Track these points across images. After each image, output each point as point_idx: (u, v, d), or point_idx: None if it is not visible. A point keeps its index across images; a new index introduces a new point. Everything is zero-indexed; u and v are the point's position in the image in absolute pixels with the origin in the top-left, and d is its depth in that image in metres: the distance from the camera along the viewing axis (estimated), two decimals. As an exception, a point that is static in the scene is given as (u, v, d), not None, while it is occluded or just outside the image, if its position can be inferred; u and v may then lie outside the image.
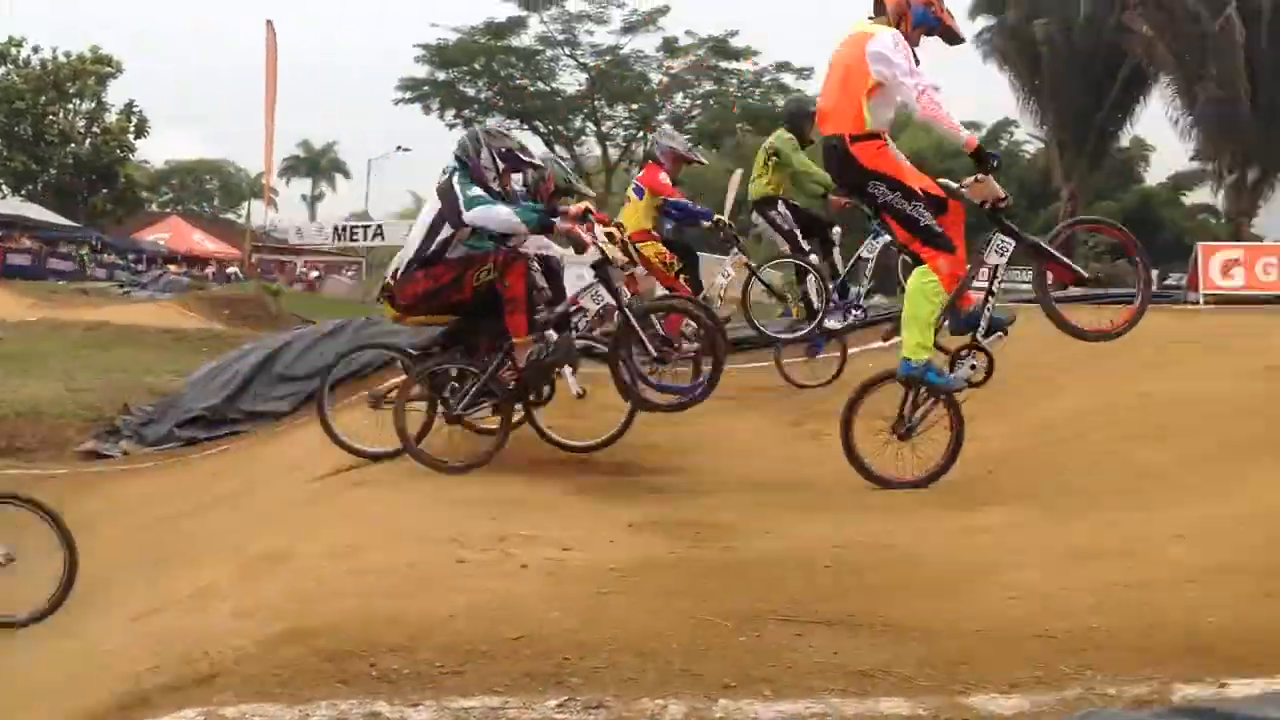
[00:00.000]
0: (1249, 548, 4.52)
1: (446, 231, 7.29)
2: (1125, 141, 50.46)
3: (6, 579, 6.28)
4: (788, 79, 48.06)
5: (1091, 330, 6.55)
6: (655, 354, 7.29)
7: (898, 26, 6.33)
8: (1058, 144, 45.52)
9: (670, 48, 48.47)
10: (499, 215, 7.13)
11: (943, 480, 6.39)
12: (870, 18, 6.49)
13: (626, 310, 7.31)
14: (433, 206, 7.42)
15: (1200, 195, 52.83)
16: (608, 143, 50.37)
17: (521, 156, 7.66)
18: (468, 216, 7.12)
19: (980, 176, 6.29)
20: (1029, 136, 52.70)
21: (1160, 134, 52.93)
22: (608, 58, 48.94)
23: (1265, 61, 38.96)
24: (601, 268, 7.37)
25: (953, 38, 6.63)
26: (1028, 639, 3.73)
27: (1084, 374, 7.99)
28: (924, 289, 6.18)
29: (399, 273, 7.44)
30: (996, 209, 6.36)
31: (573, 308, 7.50)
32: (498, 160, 7.47)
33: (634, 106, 50.05)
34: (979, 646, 3.69)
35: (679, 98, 50.34)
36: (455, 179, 7.28)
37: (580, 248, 7.30)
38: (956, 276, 6.30)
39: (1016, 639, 3.74)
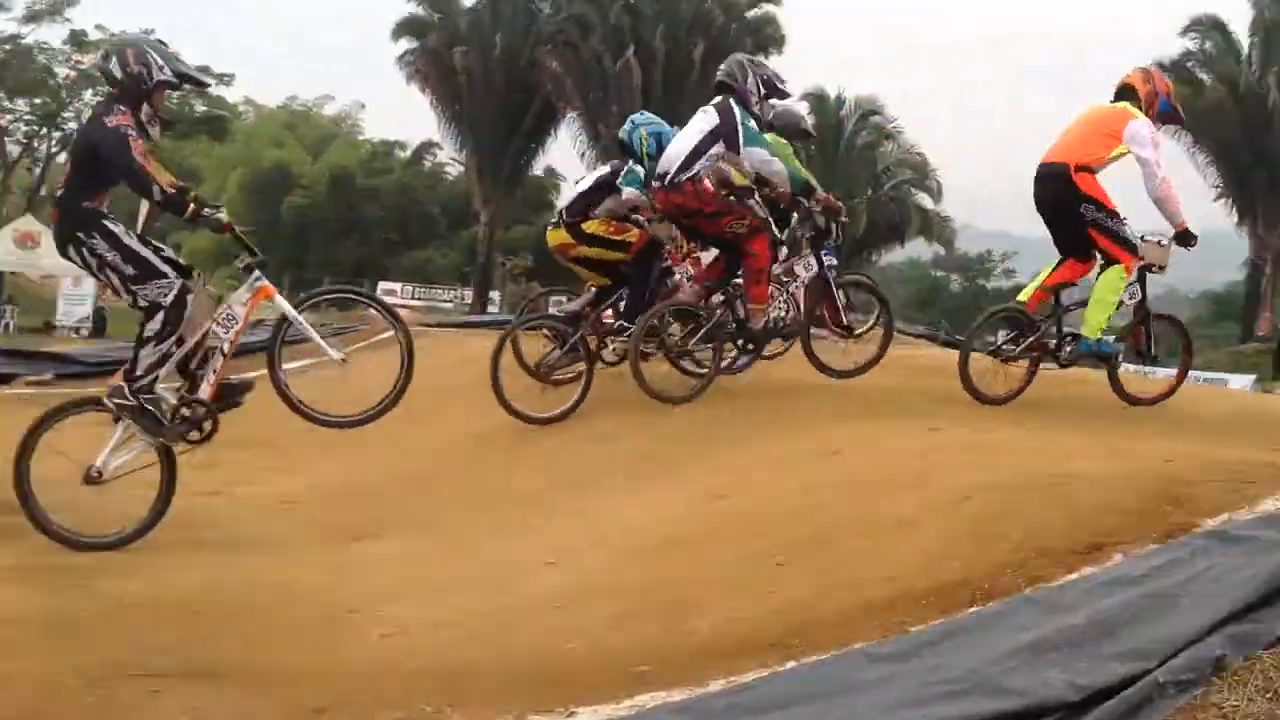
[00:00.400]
0: (609, 570, 4.80)
1: (718, 149, 7.62)
2: (539, 170, 52.95)
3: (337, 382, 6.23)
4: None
5: (1145, 397, 7.82)
6: (846, 326, 8.27)
7: (1146, 113, 7.47)
8: (477, 169, 46.93)
9: (79, 41, 45.01)
10: (774, 166, 7.76)
11: (329, 509, 6.40)
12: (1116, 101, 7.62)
13: (830, 279, 8.21)
14: (708, 121, 7.71)
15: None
16: (6, 138, 45.92)
17: (778, 84, 8.08)
18: (744, 150, 7.62)
19: (1164, 242, 7.60)
20: (451, 160, 53.92)
21: (572, 165, 55.88)
22: (7, 46, 44.63)
23: (661, 103, 42.54)
24: (818, 239, 8.17)
25: (1179, 120, 8.16)
26: (393, 677, 3.71)
27: (469, 398, 8.17)
28: (1117, 283, 7.44)
29: (669, 177, 7.61)
30: (1149, 270, 7.68)
31: (788, 274, 8.17)
32: (760, 86, 7.88)
33: (37, 101, 46.03)
34: (345, 689, 3.63)
35: (88, 94, 46.92)
36: (735, 104, 7.72)
37: (835, 214, 8.19)
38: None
39: (383, 678, 3.71)
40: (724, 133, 7.62)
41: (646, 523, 5.38)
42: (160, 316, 5.76)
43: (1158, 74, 7.84)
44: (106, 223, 5.75)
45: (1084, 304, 7.58)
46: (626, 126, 8.71)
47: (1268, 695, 2.80)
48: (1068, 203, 7.41)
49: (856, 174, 45.11)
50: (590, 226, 8.27)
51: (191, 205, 5.74)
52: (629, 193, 8.30)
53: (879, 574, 4.13)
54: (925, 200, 46.98)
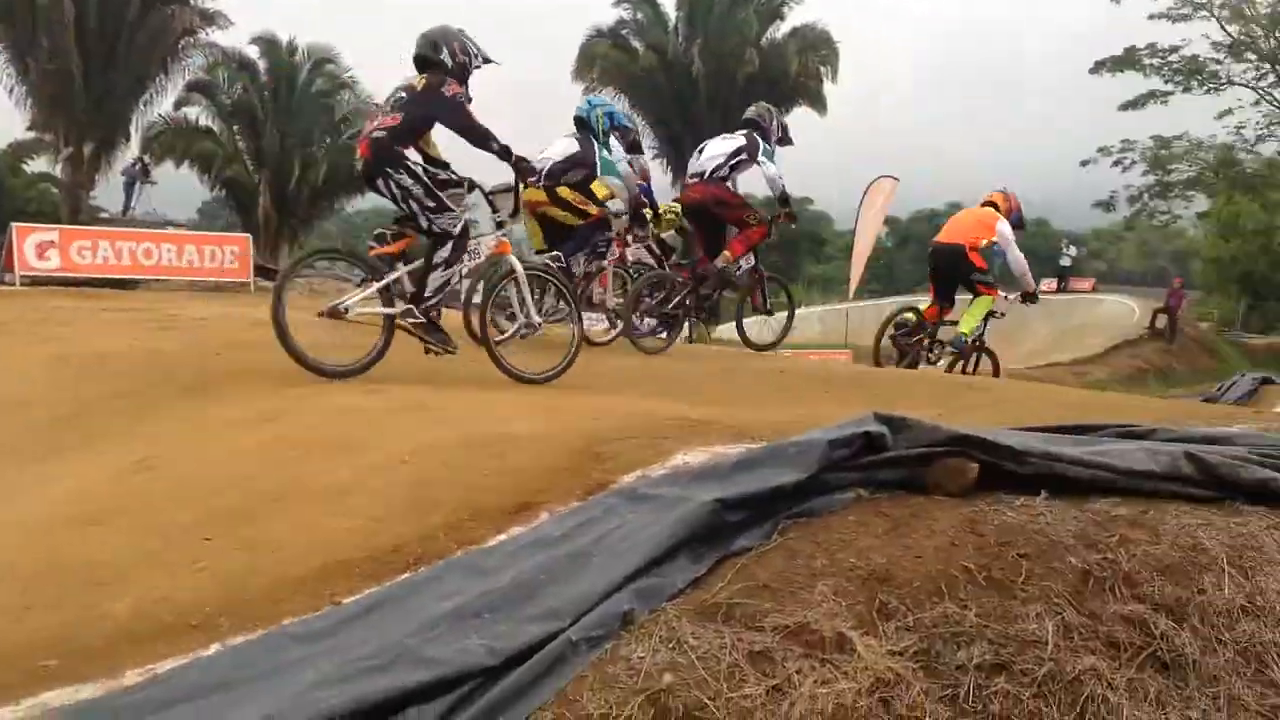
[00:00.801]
0: (13, 551, 4.34)
1: (745, 158, 10.47)
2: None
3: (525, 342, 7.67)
4: None
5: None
6: (768, 308, 11.49)
7: (1007, 216, 11.67)
8: None
9: None
10: (779, 184, 10.58)
11: None
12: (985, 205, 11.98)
13: (763, 271, 11.19)
14: (736, 142, 10.60)
15: (42, 164, 51.58)
16: None
17: (788, 133, 11.04)
18: (762, 162, 10.44)
19: (1009, 298, 12.08)
20: None
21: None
22: None
23: (96, 41, 39.53)
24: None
25: (1023, 227, 12.08)
26: None
27: None
28: (986, 305, 11.57)
29: (705, 175, 10.61)
30: (992, 315, 11.86)
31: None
32: (780, 129, 10.78)
33: None
34: None
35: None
36: (759, 137, 10.48)
37: (794, 222, 11.49)
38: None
39: None
40: (750, 149, 10.43)
41: (62, 497, 4.94)
42: (450, 245, 7.13)
43: (1013, 196, 11.88)
44: (409, 163, 7.01)
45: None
46: (584, 106, 10.50)
47: (670, 645, 3.00)
48: (962, 271, 11.44)
49: (311, 122, 44.31)
50: (563, 192, 9.99)
51: (515, 154, 7.25)
52: (613, 183, 10.21)
53: (313, 544, 4.02)
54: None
